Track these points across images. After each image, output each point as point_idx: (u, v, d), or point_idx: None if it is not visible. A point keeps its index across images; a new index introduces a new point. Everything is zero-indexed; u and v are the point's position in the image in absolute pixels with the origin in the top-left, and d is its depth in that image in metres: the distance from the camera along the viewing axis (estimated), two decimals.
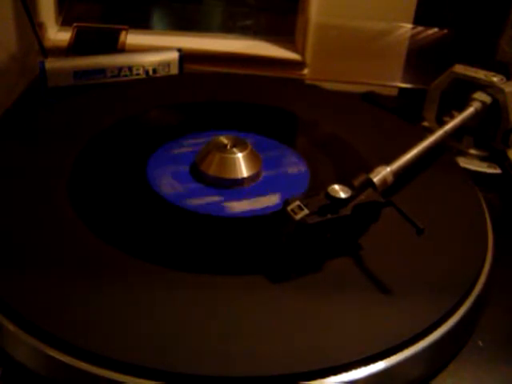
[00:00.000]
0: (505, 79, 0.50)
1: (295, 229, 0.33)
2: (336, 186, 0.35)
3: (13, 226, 0.36)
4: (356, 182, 0.36)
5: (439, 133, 0.45)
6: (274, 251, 0.35)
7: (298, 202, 0.34)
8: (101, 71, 0.57)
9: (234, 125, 0.49)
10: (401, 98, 0.68)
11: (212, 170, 0.41)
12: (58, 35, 0.72)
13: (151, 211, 0.39)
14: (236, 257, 0.36)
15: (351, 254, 0.35)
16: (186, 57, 0.60)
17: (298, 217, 0.33)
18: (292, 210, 0.33)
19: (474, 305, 0.33)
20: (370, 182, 0.37)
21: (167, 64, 0.59)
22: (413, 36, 0.73)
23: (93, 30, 0.65)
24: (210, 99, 0.53)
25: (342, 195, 0.34)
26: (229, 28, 0.78)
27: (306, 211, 0.33)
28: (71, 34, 0.64)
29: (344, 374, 0.28)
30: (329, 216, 0.34)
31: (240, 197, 0.40)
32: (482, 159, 0.50)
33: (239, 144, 0.42)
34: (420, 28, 0.73)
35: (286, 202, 0.34)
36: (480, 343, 0.34)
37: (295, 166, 0.44)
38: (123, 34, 0.64)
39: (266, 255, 0.35)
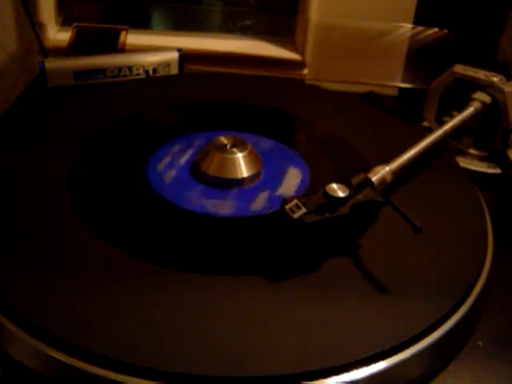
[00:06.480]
0: (505, 79, 0.50)
1: (293, 228, 0.33)
2: (334, 185, 0.35)
3: (13, 227, 0.36)
4: (354, 181, 0.36)
5: (438, 133, 0.45)
6: (273, 250, 0.35)
7: (295, 201, 0.34)
8: (101, 71, 0.57)
9: (233, 125, 0.49)
10: (401, 98, 0.68)
11: (212, 170, 0.41)
12: (58, 35, 0.72)
13: (151, 211, 0.39)
14: (235, 257, 0.36)
15: (351, 253, 0.35)
16: (186, 57, 0.60)
17: (296, 216, 0.33)
18: (290, 209, 0.33)
19: (474, 305, 0.33)
20: (368, 182, 0.37)
21: (167, 64, 0.59)
22: (413, 36, 0.73)
23: (93, 29, 0.65)
24: (210, 99, 0.53)
25: (340, 194, 0.34)
26: (229, 28, 0.78)
27: (303, 210, 0.33)
28: (71, 34, 0.64)
29: (345, 373, 0.28)
30: (327, 215, 0.34)
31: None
32: (482, 159, 0.50)
33: (239, 144, 0.42)
34: (420, 28, 0.73)
35: (284, 201, 0.34)
36: (480, 343, 0.34)
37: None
38: (123, 34, 0.64)
39: (264, 254, 0.35)
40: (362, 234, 0.37)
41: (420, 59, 0.73)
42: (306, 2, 0.72)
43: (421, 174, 0.43)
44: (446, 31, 0.73)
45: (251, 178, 0.41)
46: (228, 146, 0.42)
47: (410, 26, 0.73)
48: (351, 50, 0.71)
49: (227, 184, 0.41)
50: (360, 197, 0.35)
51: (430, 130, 0.49)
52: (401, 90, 0.69)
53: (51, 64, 0.55)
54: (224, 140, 0.42)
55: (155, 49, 0.61)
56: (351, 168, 0.43)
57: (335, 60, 0.71)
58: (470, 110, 0.49)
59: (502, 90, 0.49)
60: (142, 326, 0.30)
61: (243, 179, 0.41)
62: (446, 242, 0.37)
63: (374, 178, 0.37)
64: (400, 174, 0.40)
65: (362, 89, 0.63)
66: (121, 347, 0.28)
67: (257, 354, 0.29)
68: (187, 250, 0.35)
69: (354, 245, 0.36)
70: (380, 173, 0.38)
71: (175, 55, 0.59)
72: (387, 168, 0.38)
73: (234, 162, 0.41)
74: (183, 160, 0.44)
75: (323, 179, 0.41)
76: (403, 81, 0.70)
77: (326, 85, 0.63)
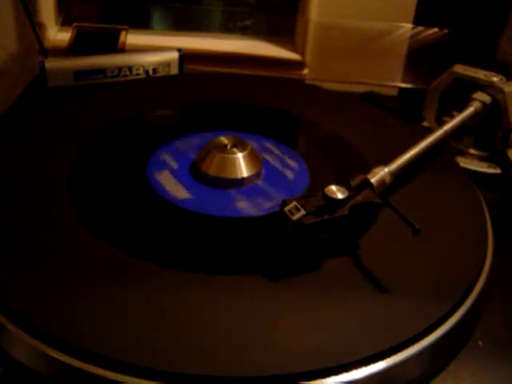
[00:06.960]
0: (505, 79, 0.50)
1: (292, 229, 0.33)
2: (333, 187, 0.35)
3: (12, 227, 0.36)
4: (353, 183, 0.36)
5: (438, 133, 0.45)
6: (272, 251, 0.35)
7: (294, 203, 0.34)
8: (101, 71, 0.57)
9: (233, 125, 0.49)
10: (401, 98, 0.68)
11: (212, 170, 0.41)
12: (58, 35, 0.72)
13: (151, 211, 0.39)
14: (234, 257, 0.36)
15: (351, 253, 0.35)
16: (186, 57, 0.60)
17: (295, 217, 0.33)
18: (289, 211, 0.34)
19: (474, 305, 0.33)
20: (367, 183, 0.37)
21: (167, 64, 0.59)
22: (413, 36, 0.73)
23: (93, 29, 0.65)
24: (209, 99, 0.53)
25: (339, 196, 0.34)
26: (229, 28, 0.78)
27: (302, 212, 0.33)
28: (71, 34, 0.64)
29: (344, 373, 0.28)
30: (325, 216, 0.34)
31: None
32: (482, 159, 0.50)
33: (239, 144, 0.42)
34: (420, 28, 0.73)
35: (283, 203, 0.34)
36: (480, 343, 0.34)
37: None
38: (123, 34, 0.64)
39: (263, 255, 0.35)
40: (362, 235, 0.37)
41: (420, 59, 0.73)
42: (306, 1, 0.72)
43: (421, 174, 0.43)
44: (445, 31, 0.73)
45: (251, 178, 0.41)
46: (228, 146, 0.42)
47: (410, 26, 0.73)
48: (351, 50, 0.72)
49: (227, 184, 0.41)
50: (359, 198, 0.35)
51: (430, 130, 0.49)
52: (401, 89, 0.69)
53: (51, 64, 0.55)
54: (224, 140, 0.42)
55: (155, 49, 0.61)
56: (351, 168, 0.43)
57: (335, 60, 0.72)
58: (469, 110, 0.49)
59: (502, 90, 0.49)
60: (142, 325, 0.30)
61: (243, 179, 0.41)
62: (446, 242, 0.37)
63: (373, 180, 0.37)
64: (400, 175, 0.40)
65: (362, 89, 0.63)
66: (121, 347, 0.28)
67: (256, 354, 0.29)
68: (187, 250, 0.35)
69: (354, 245, 0.36)
70: (379, 174, 0.38)
71: (175, 55, 0.59)
72: (386, 169, 0.38)
73: (234, 162, 0.41)
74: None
75: (323, 179, 0.41)
76: (403, 81, 0.70)
77: (326, 85, 0.63)
